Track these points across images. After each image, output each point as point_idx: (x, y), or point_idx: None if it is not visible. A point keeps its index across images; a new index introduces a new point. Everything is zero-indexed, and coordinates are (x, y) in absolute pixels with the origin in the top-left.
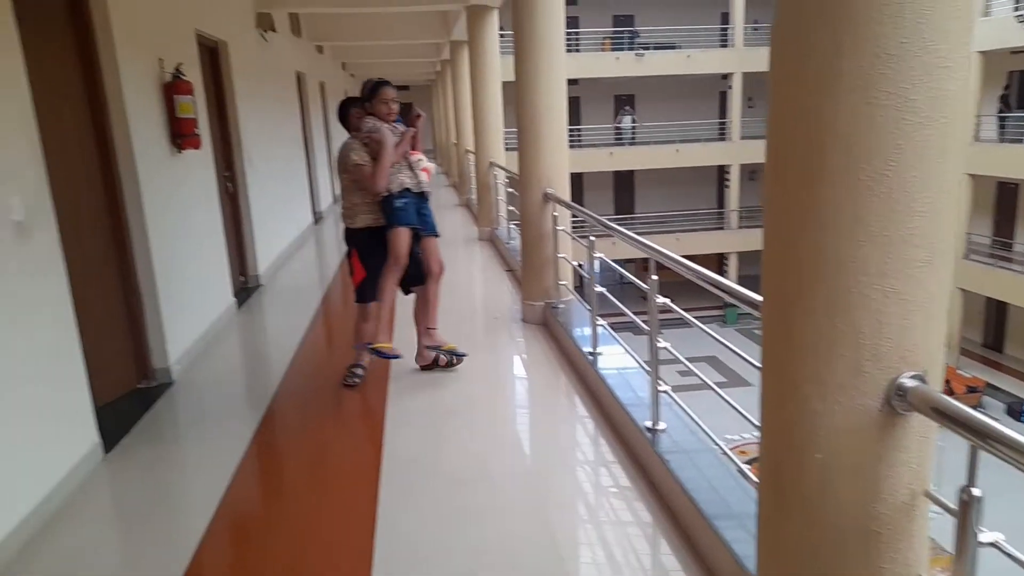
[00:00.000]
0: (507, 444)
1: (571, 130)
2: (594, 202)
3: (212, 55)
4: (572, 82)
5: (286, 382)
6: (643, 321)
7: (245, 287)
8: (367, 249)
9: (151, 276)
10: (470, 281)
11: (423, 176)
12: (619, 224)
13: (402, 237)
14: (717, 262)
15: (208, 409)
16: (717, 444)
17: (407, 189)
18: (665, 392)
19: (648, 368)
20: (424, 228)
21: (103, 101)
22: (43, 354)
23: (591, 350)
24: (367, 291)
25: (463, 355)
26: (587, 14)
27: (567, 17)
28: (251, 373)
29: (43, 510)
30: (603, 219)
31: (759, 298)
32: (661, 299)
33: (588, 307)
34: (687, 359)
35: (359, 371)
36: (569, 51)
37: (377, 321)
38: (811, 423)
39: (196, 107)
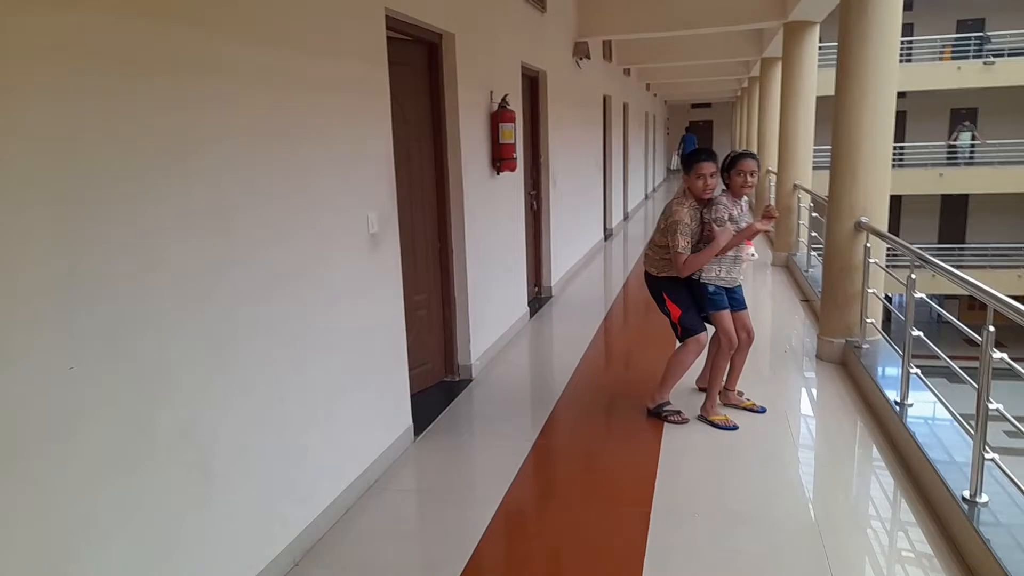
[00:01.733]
0: (791, 488)
1: (893, 147)
2: (914, 229)
3: (532, 83)
4: (899, 95)
5: (568, 390)
6: (967, 373)
7: (538, 297)
8: (673, 290)
9: (464, 283)
10: (759, 308)
11: (740, 272)
12: (945, 256)
13: (725, 320)
14: None
15: (499, 407)
16: None
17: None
18: (992, 460)
19: (971, 428)
20: (735, 306)
21: (443, 131)
22: (380, 347)
23: (898, 399)
24: (689, 323)
25: (762, 409)
26: (925, 19)
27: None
28: (538, 378)
29: (364, 479)
30: (929, 256)
31: None
32: (998, 354)
33: (899, 351)
34: (1017, 418)
35: (675, 408)
36: (900, 61)
37: (711, 393)
38: None
39: (516, 133)
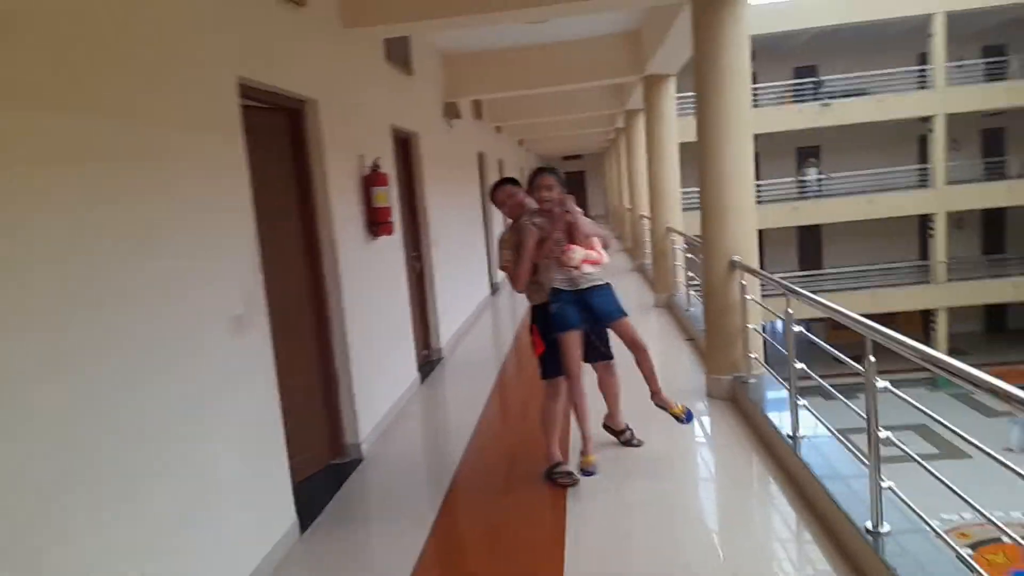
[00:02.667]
0: (699, 536)
1: None
2: (776, 259)
3: (404, 145)
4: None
5: (466, 458)
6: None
7: (428, 360)
8: (545, 324)
9: (346, 356)
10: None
11: (583, 271)
12: (805, 282)
13: (568, 348)
14: (922, 320)
15: (393, 487)
16: (954, 548)
17: (560, 290)
18: (890, 488)
19: (866, 462)
20: (599, 321)
21: (312, 199)
22: (254, 441)
23: (791, 433)
24: (548, 366)
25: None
26: (766, 67)
27: None
28: (433, 449)
29: None
30: (803, 291)
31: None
32: (881, 383)
33: (786, 385)
34: (888, 427)
35: (565, 469)
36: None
37: (583, 436)
38: None
39: (390, 196)
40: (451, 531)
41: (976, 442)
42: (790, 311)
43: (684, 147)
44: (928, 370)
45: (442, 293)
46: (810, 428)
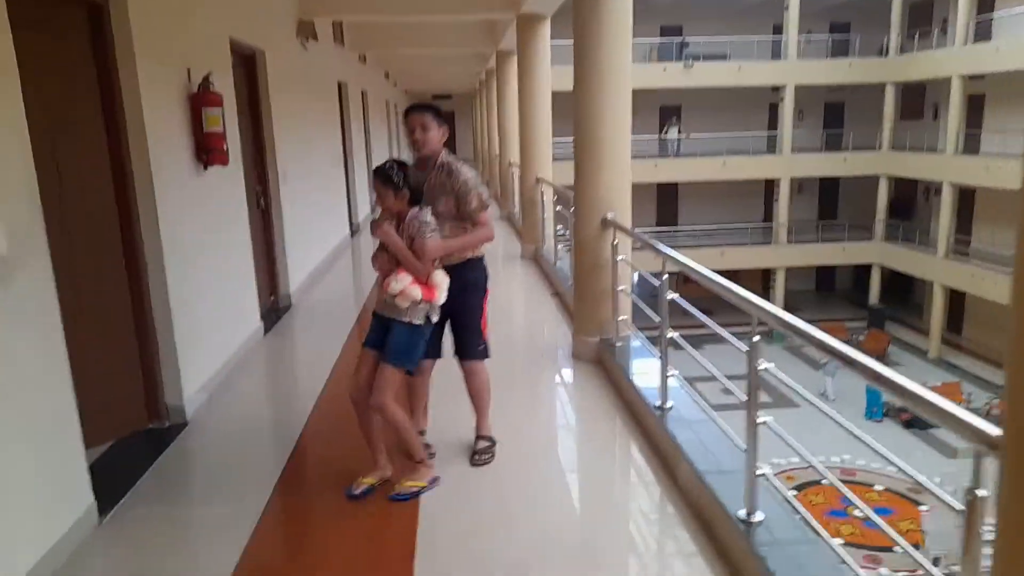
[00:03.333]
0: (559, 522)
1: None
2: (636, 214)
3: (248, 64)
4: None
5: (312, 423)
6: (725, 391)
7: (275, 308)
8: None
9: (165, 303)
10: (511, 304)
11: (409, 299)
12: (662, 237)
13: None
14: (763, 277)
15: (224, 455)
16: (825, 540)
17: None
18: (764, 476)
19: (741, 444)
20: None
21: (119, 114)
22: (24, 404)
23: (660, 404)
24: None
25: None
26: (635, 24)
27: None
28: (276, 409)
29: None
30: (686, 260)
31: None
32: (764, 364)
33: (658, 353)
34: (729, 376)
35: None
36: None
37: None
38: None
39: (224, 120)
40: (286, 515)
41: (808, 395)
42: (665, 276)
43: (558, 97)
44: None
45: (292, 234)
46: (681, 402)
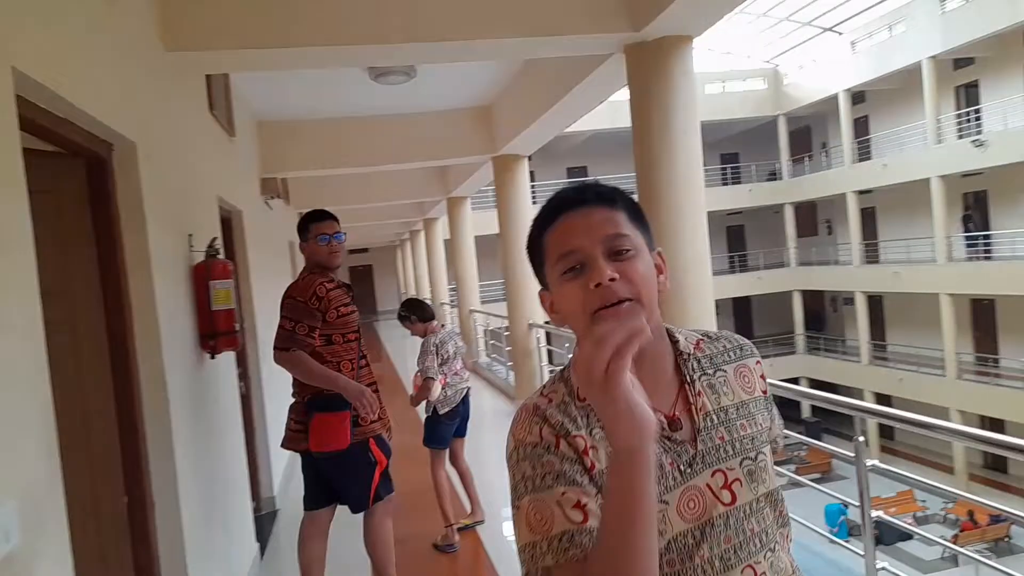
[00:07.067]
0: None
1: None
2: None
3: (226, 226)
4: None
5: None
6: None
7: (258, 516)
8: None
9: (181, 557)
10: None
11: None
12: None
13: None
14: None
15: None
16: None
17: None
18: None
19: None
20: None
21: (124, 300)
22: None
23: None
24: None
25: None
26: (544, 168)
27: None
28: None
29: None
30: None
31: None
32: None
33: None
34: None
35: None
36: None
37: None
38: None
39: (234, 295)
40: None
41: None
42: None
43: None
44: None
45: (272, 422)
46: None
